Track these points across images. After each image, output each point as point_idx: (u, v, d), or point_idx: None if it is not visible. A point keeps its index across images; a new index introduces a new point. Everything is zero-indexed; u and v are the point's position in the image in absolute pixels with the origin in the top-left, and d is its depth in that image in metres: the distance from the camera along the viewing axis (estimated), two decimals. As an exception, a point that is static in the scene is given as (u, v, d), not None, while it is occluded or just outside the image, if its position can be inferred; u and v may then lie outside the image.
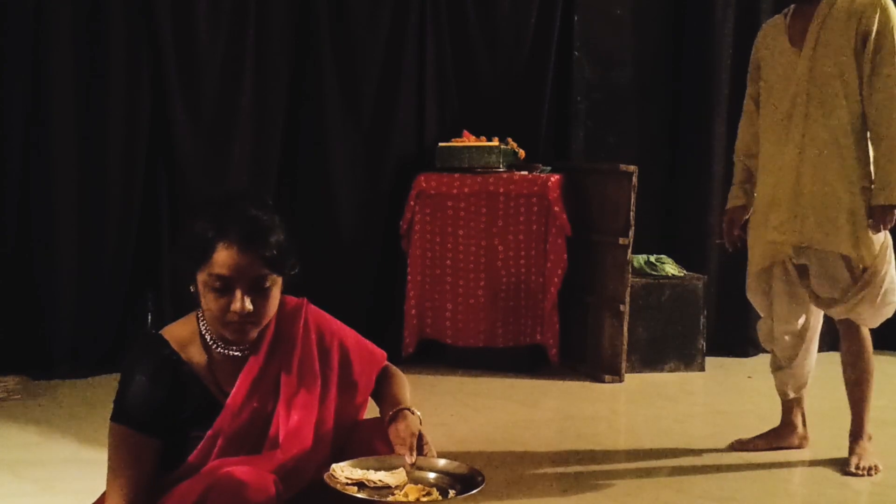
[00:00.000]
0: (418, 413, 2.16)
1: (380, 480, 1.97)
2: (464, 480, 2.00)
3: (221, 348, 2.08)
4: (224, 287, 1.98)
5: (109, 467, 2.02)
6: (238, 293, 1.98)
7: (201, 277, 2.00)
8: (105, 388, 4.35)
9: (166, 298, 4.79)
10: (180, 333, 2.10)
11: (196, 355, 2.08)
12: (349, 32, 5.15)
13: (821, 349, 3.81)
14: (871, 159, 3.44)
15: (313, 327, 2.18)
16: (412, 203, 5.04)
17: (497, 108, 5.34)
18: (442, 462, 2.06)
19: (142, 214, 4.86)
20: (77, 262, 4.74)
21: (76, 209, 4.73)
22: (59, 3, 4.62)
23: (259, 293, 2.01)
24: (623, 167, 4.81)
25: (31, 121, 4.65)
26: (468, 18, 5.33)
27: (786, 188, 3.54)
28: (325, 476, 1.96)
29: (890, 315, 3.54)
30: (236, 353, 2.09)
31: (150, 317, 4.85)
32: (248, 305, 1.98)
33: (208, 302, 2.01)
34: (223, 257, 1.97)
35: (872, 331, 3.59)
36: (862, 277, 3.43)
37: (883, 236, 3.44)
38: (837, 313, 3.53)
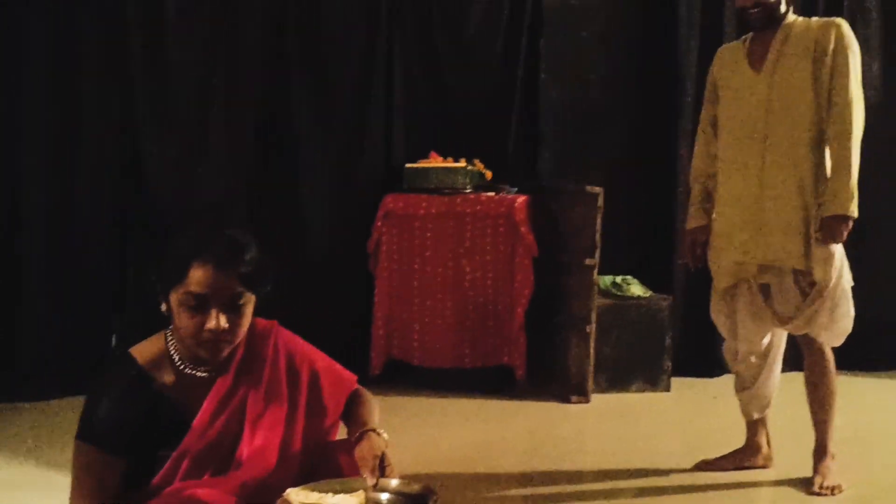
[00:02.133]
0: (384, 434, 2.16)
1: (335, 504, 1.97)
2: (417, 499, 2.00)
3: (190, 368, 2.08)
4: (199, 305, 1.99)
5: (72, 486, 2.00)
6: (213, 311, 1.99)
7: (176, 296, 2.00)
8: (70, 411, 4.28)
9: (133, 318, 4.76)
10: (149, 352, 2.09)
11: (164, 375, 2.07)
12: (319, 53, 5.16)
13: (784, 369, 3.84)
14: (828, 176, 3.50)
15: (283, 350, 2.18)
16: (379, 224, 5.04)
17: (464, 130, 5.35)
18: (395, 482, 2.06)
19: (109, 234, 4.83)
20: (42, 282, 4.70)
21: (43, 229, 4.70)
22: (34, 24, 4.61)
23: (234, 311, 2.01)
24: (589, 188, 4.84)
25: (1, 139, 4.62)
26: (436, 40, 5.36)
27: (748, 208, 3.59)
28: (279, 501, 1.95)
29: (849, 329, 3.58)
30: (204, 374, 2.08)
31: (115, 337, 4.81)
32: (224, 323, 1.99)
33: (182, 320, 2.01)
34: (199, 275, 1.98)
35: (835, 350, 3.64)
36: (813, 292, 3.48)
37: (834, 249, 3.48)
38: (795, 328, 3.57)
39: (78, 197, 4.76)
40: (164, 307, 2.04)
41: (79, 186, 4.75)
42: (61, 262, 4.73)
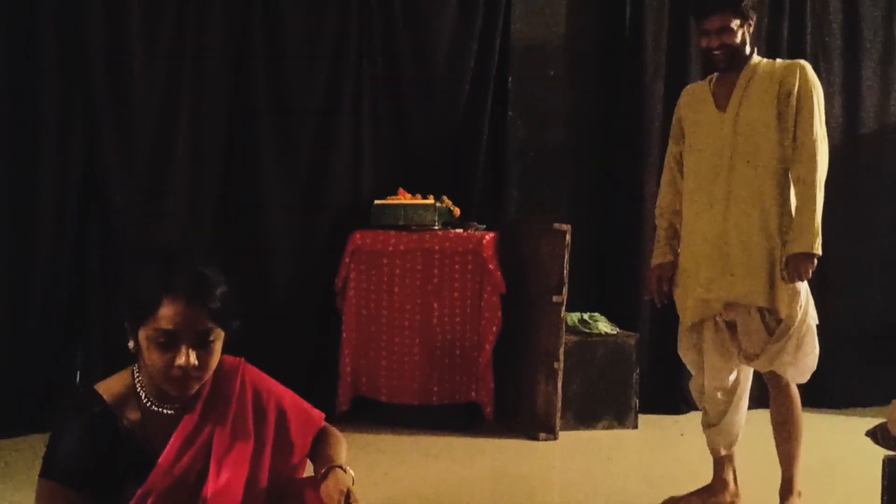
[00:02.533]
0: (351, 471, 2.15)
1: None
2: None
3: (156, 406, 2.06)
4: (169, 342, 1.97)
5: (37, 524, 1.97)
6: (183, 348, 1.97)
7: (145, 333, 1.98)
8: (32, 449, 4.24)
9: (96, 354, 4.70)
10: (115, 389, 2.07)
11: (130, 412, 2.05)
12: (286, 88, 5.16)
13: (750, 406, 3.86)
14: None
15: (249, 387, 2.17)
16: (347, 260, 5.03)
17: (432, 167, 5.37)
18: None
19: (72, 267, 4.78)
20: (3, 316, 4.62)
21: (3, 260, 4.63)
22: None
23: (204, 347, 2.00)
24: (557, 226, 4.86)
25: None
26: (404, 77, 5.38)
27: (713, 245, 3.62)
28: None
29: (813, 367, 3.61)
30: (170, 412, 2.06)
31: (79, 373, 4.75)
32: (193, 360, 1.97)
33: (152, 357, 1.99)
34: (169, 311, 1.97)
35: (800, 387, 3.66)
36: (779, 329, 3.51)
37: (800, 287, 3.52)
38: (761, 366, 3.59)
39: (37, 230, 4.69)
40: (131, 344, 2.02)
41: (41, 216, 4.69)
42: (19, 295, 4.66)
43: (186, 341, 1.98)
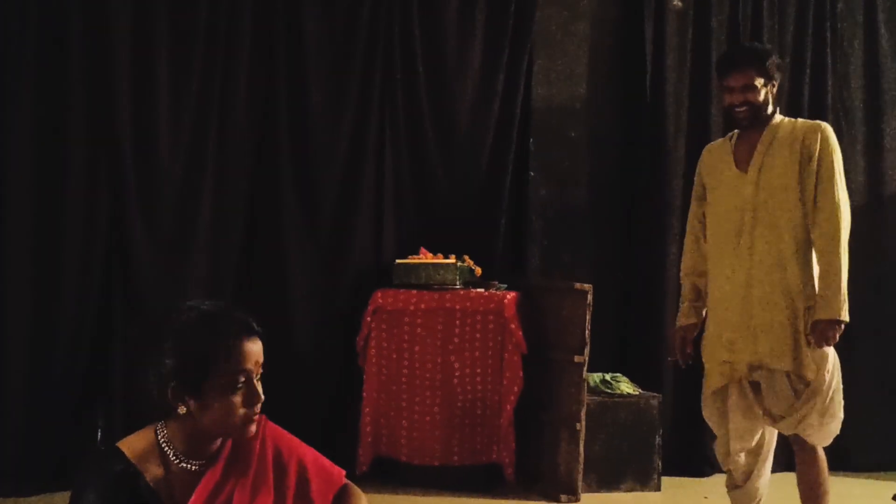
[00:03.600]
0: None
1: None
2: None
3: (183, 462, 2.06)
4: (247, 381, 2.04)
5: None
6: (256, 385, 2.06)
7: (217, 382, 2.01)
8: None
9: (117, 412, 4.69)
10: (137, 446, 2.06)
11: (153, 469, 2.05)
12: (308, 148, 5.21)
13: (776, 469, 3.81)
14: (815, 278, 3.52)
15: (270, 444, 2.16)
16: (369, 319, 5.02)
17: (454, 226, 5.38)
18: None
19: (94, 327, 4.80)
20: (25, 373, 4.65)
21: (26, 317, 4.66)
22: (21, 107, 4.66)
23: (260, 380, 2.08)
24: (578, 286, 4.85)
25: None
26: (427, 137, 5.42)
27: (736, 307, 3.61)
28: None
29: (837, 432, 3.58)
30: (195, 467, 2.06)
31: (100, 431, 4.74)
32: (262, 393, 2.06)
33: (226, 405, 2.02)
34: (246, 350, 2.04)
35: (826, 450, 3.61)
36: (805, 392, 3.48)
37: (828, 352, 3.49)
38: (786, 428, 3.56)
39: (66, 286, 4.73)
40: (182, 409, 2.02)
41: (66, 276, 4.73)
42: (42, 355, 4.68)
43: (255, 377, 2.06)
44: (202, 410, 2.03)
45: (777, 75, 3.68)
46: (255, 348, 2.07)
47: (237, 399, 2.03)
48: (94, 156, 4.80)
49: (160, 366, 2.02)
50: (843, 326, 3.45)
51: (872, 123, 5.86)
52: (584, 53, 5.67)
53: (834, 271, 3.44)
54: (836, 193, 3.49)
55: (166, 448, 2.06)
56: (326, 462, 2.28)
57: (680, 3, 5.61)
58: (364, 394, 5.00)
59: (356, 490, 2.30)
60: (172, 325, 2.04)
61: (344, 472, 2.32)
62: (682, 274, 3.93)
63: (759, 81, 3.61)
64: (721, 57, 3.79)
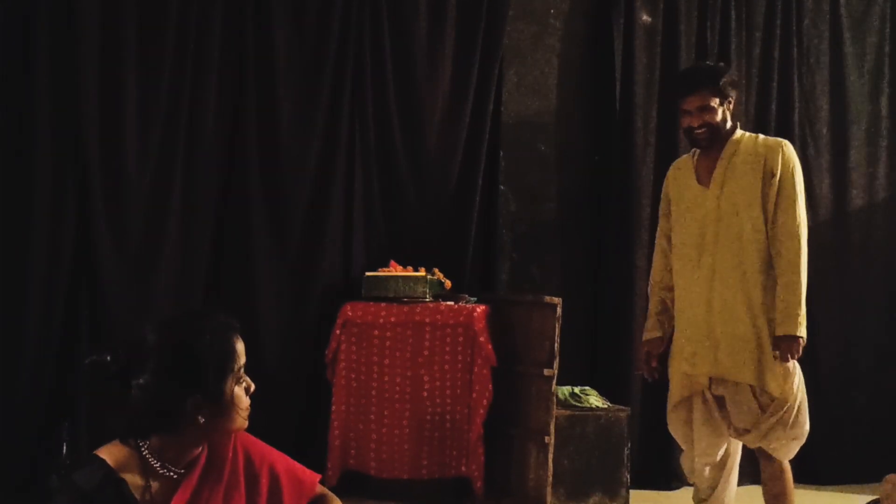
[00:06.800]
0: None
1: None
2: None
3: (165, 470, 2.06)
4: (245, 373, 2.17)
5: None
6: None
7: (233, 382, 2.12)
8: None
9: (82, 427, 4.64)
10: (116, 455, 2.07)
11: (134, 477, 2.06)
12: (277, 161, 5.19)
13: (743, 482, 3.84)
14: (776, 291, 3.56)
15: (241, 452, 2.18)
16: (338, 332, 5.01)
17: (424, 239, 5.39)
18: None
19: (60, 342, 4.75)
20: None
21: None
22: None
23: None
24: (548, 299, 4.86)
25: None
26: (397, 150, 5.42)
27: (698, 320, 3.64)
28: None
29: (802, 442, 3.61)
30: (175, 476, 2.07)
31: (65, 447, 4.68)
32: None
33: (239, 400, 2.13)
34: (241, 347, 2.16)
35: (793, 464, 3.64)
36: (770, 406, 3.51)
37: (792, 366, 3.53)
38: (751, 441, 3.59)
39: (32, 300, 4.68)
40: (202, 420, 2.07)
41: (32, 289, 4.68)
42: (10, 367, 4.62)
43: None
44: (216, 416, 2.08)
45: (732, 92, 3.72)
46: (242, 346, 2.17)
47: (241, 391, 2.14)
48: (60, 172, 4.76)
49: (160, 385, 2.04)
50: (803, 340, 3.49)
51: (838, 137, 5.92)
52: (554, 68, 5.71)
53: (793, 288, 3.48)
54: (796, 212, 3.54)
55: (150, 458, 2.07)
56: (299, 468, 2.29)
57: (649, 18, 5.66)
58: (333, 407, 4.98)
59: (330, 494, 2.32)
60: (168, 342, 2.06)
61: (318, 478, 2.33)
62: (649, 289, 3.96)
63: (715, 101, 3.64)
64: (675, 80, 3.82)
